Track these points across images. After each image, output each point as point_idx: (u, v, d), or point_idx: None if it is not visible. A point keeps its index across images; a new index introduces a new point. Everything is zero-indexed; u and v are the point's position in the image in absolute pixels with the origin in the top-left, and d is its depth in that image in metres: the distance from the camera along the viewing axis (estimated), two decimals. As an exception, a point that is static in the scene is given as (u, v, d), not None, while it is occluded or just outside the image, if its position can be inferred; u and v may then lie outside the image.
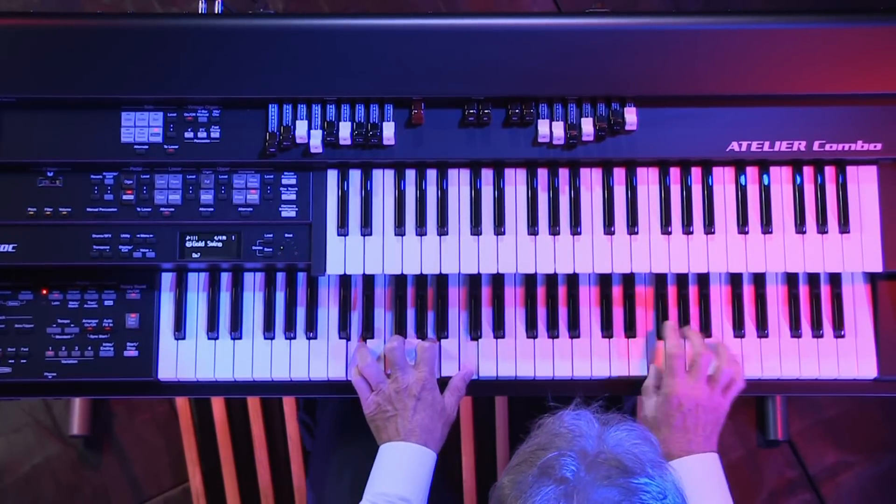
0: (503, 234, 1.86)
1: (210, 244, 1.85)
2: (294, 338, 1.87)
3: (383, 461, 1.76)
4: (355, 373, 1.83)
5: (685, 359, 1.82)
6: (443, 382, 1.84)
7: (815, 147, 1.85)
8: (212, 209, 1.85)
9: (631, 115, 1.83)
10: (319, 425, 2.22)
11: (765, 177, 1.88)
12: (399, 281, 1.89)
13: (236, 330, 1.87)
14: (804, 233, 1.87)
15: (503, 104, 1.84)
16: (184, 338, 1.87)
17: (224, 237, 1.85)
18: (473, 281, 1.88)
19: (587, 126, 1.83)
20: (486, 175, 1.88)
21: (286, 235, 1.85)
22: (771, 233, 1.87)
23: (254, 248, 1.84)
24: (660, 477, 1.37)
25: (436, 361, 1.84)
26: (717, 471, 1.75)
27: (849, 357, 1.87)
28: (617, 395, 2.09)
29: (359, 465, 2.00)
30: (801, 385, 1.89)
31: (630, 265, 1.86)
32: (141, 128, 1.84)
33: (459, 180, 1.88)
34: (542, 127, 1.84)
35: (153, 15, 2.12)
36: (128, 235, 1.84)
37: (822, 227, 1.87)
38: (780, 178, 1.89)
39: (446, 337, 1.87)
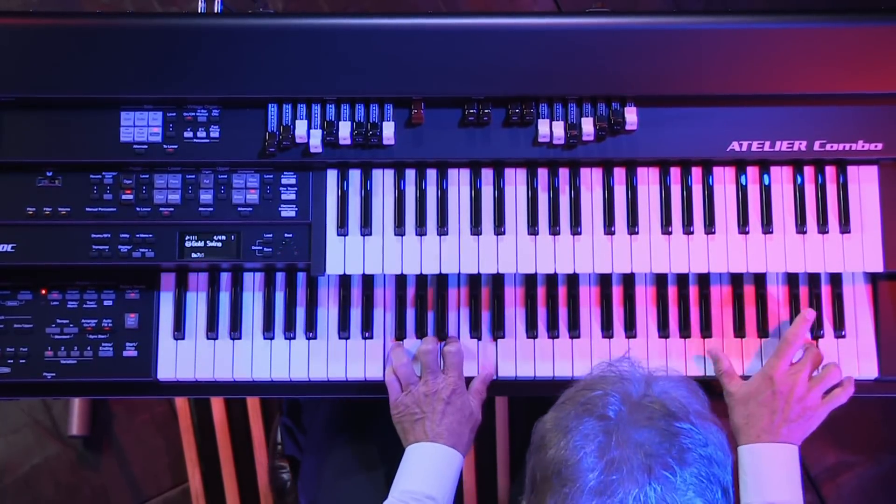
0: (503, 233, 1.86)
1: (209, 244, 1.84)
2: (293, 338, 1.87)
3: (411, 461, 1.75)
4: (390, 371, 1.83)
5: (796, 350, 1.79)
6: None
7: (816, 147, 1.84)
8: (211, 209, 1.84)
9: (631, 115, 1.83)
10: (309, 431, 2.21)
11: (765, 177, 1.88)
12: (399, 281, 1.89)
13: (236, 330, 1.87)
14: (805, 233, 1.87)
15: (503, 104, 1.83)
16: (183, 338, 1.87)
17: (223, 237, 1.85)
18: (473, 281, 1.88)
19: (587, 126, 1.83)
20: (486, 175, 1.87)
21: (286, 235, 1.84)
22: (771, 233, 1.87)
23: (253, 247, 1.84)
24: (703, 427, 1.38)
25: (463, 364, 1.83)
26: (793, 463, 1.72)
27: (849, 357, 1.87)
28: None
29: (356, 470, 2.00)
30: (801, 385, 1.88)
31: (630, 265, 1.85)
32: (140, 127, 1.84)
33: (459, 180, 1.88)
34: (543, 127, 1.83)
35: (153, 14, 2.11)
36: (127, 235, 1.83)
37: (822, 227, 1.87)
38: (781, 178, 1.89)
39: (446, 337, 1.87)
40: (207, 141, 1.84)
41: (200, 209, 1.84)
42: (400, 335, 1.87)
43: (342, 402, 2.10)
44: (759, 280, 1.88)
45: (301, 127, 1.83)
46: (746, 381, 1.79)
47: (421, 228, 1.86)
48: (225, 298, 1.88)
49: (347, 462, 2.02)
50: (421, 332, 1.87)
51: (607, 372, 1.46)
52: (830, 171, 1.88)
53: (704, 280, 1.88)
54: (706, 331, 1.87)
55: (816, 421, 1.77)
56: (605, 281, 1.88)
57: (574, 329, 1.87)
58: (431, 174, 1.88)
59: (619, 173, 1.88)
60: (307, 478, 2.12)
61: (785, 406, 1.74)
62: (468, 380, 1.84)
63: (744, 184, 1.88)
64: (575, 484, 1.34)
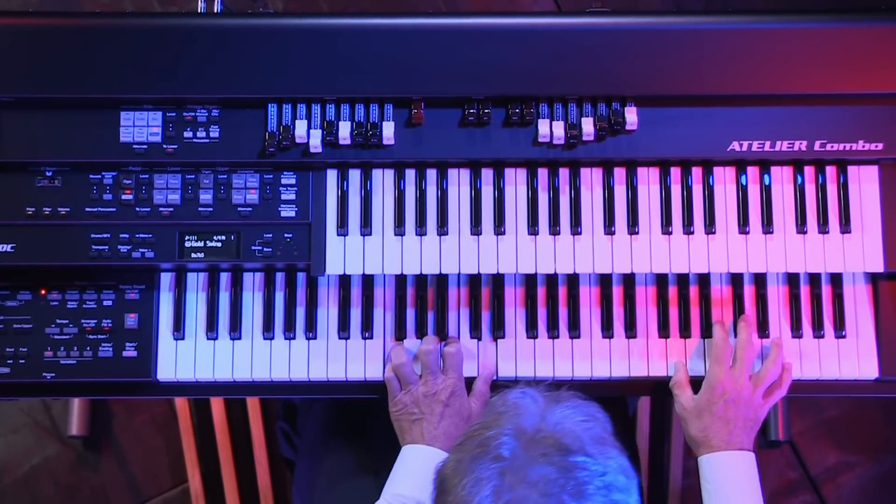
0: (503, 234, 1.86)
1: (209, 244, 1.84)
2: (293, 338, 1.87)
3: (404, 463, 1.75)
4: (389, 369, 1.83)
5: (731, 351, 1.81)
6: (443, 383, 1.83)
7: (817, 147, 1.84)
8: (211, 209, 1.84)
9: (631, 115, 1.83)
10: (303, 434, 2.21)
11: (766, 177, 1.88)
12: (399, 281, 1.88)
13: (235, 330, 1.86)
14: (805, 233, 1.87)
15: (503, 104, 1.83)
16: (183, 338, 1.87)
17: (223, 237, 1.84)
18: (473, 281, 1.88)
19: (587, 126, 1.83)
20: (486, 175, 1.87)
21: (286, 235, 1.84)
22: (772, 233, 1.86)
23: (253, 248, 1.84)
24: (601, 455, 1.35)
25: (463, 365, 1.83)
26: (752, 470, 1.75)
27: (850, 357, 1.86)
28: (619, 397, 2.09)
29: (349, 475, 1.99)
30: (802, 385, 1.88)
31: (630, 265, 1.85)
32: (140, 127, 1.83)
33: (459, 180, 1.87)
34: (543, 127, 1.83)
35: (152, 14, 2.12)
36: (127, 235, 1.83)
37: (823, 227, 1.86)
38: (781, 178, 1.88)
39: (446, 337, 1.86)
40: (207, 141, 1.84)
41: (200, 209, 1.84)
42: (400, 335, 1.87)
43: (336, 406, 2.09)
44: (760, 280, 1.88)
45: (301, 127, 1.83)
46: (696, 395, 1.80)
47: (421, 228, 1.86)
48: (225, 298, 1.88)
49: (341, 466, 2.01)
50: (421, 333, 1.87)
51: (502, 407, 1.43)
52: (831, 171, 1.88)
53: (705, 280, 1.88)
54: (706, 331, 1.87)
55: (761, 417, 1.80)
56: (605, 281, 1.88)
57: (574, 329, 1.87)
58: (431, 174, 1.88)
59: (620, 173, 1.88)
60: (301, 481, 2.11)
61: (737, 414, 1.76)
62: (469, 381, 1.84)
63: (744, 184, 1.87)
64: None
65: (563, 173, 1.88)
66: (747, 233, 1.86)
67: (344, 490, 1.97)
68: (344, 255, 1.85)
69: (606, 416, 1.44)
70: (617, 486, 1.35)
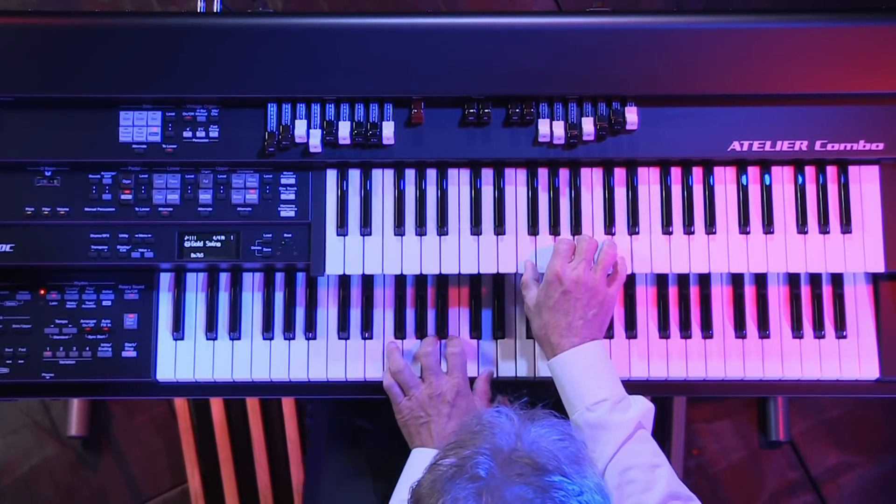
0: (503, 234, 1.85)
1: (209, 244, 1.84)
2: (293, 338, 1.87)
3: (414, 466, 1.74)
4: (388, 376, 1.82)
5: (572, 246, 1.80)
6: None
7: (817, 147, 1.84)
8: (210, 209, 1.84)
9: (632, 115, 1.82)
10: (312, 433, 2.20)
11: (766, 176, 1.87)
12: (399, 281, 1.88)
13: (235, 330, 1.86)
14: (806, 233, 1.86)
15: (503, 103, 1.83)
16: (182, 338, 1.86)
17: (223, 237, 1.84)
18: (473, 281, 1.88)
19: (588, 126, 1.83)
20: (486, 175, 1.87)
21: (285, 235, 1.84)
22: (772, 233, 1.86)
23: (253, 248, 1.84)
24: (577, 474, 1.34)
25: (466, 365, 1.83)
26: (604, 360, 1.72)
27: (851, 358, 1.86)
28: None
29: (354, 479, 1.98)
30: (802, 386, 1.88)
31: (631, 265, 1.85)
32: (139, 127, 1.83)
33: (459, 180, 1.87)
34: (543, 126, 1.83)
35: (152, 14, 2.12)
36: (126, 235, 1.83)
37: (823, 227, 1.86)
38: (782, 178, 1.88)
39: (446, 337, 1.86)
40: (207, 141, 1.83)
41: (199, 209, 1.84)
42: (399, 335, 1.86)
43: (343, 410, 2.09)
44: (760, 280, 1.88)
45: (300, 127, 1.82)
46: (534, 290, 1.78)
47: (421, 228, 1.85)
48: (224, 299, 1.88)
49: (347, 469, 2.01)
50: (421, 333, 1.86)
51: (476, 426, 1.42)
52: (832, 170, 1.88)
53: (705, 280, 1.88)
54: (707, 331, 1.86)
55: (610, 306, 1.78)
56: (605, 281, 1.88)
57: (574, 329, 1.86)
58: (431, 174, 1.87)
59: (620, 173, 1.88)
60: (310, 484, 2.11)
61: (576, 303, 1.73)
62: (471, 380, 1.83)
63: (745, 184, 1.87)
64: None
65: (564, 173, 1.87)
66: (748, 233, 1.86)
67: (348, 494, 1.97)
68: (343, 255, 1.84)
69: (579, 434, 1.43)
70: None
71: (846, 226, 1.86)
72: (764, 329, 1.86)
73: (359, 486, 1.97)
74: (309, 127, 1.83)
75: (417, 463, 1.74)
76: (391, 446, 1.85)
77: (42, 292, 1.86)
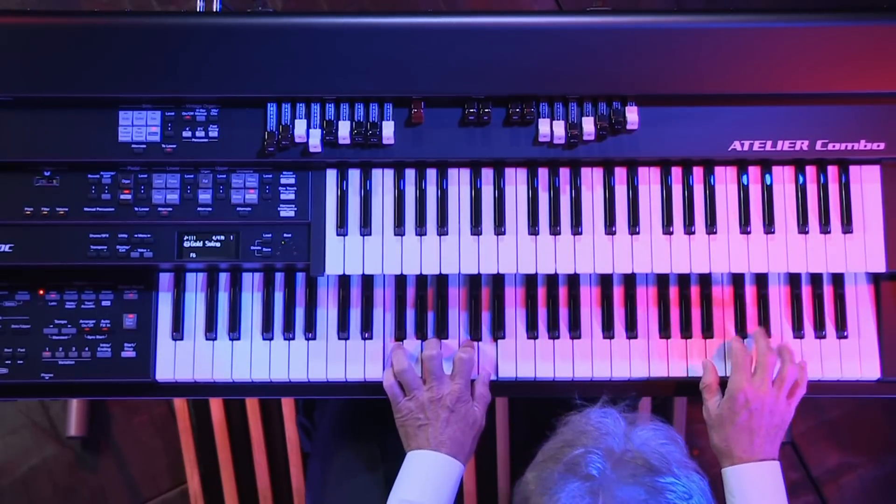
0: (503, 234, 1.85)
1: (208, 244, 1.84)
2: (293, 338, 1.86)
3: (410, 469, 1.74)
4: (389, 376, 1.81)
5: (752, 358, 1.80)
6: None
7: (818, 146, 1.84)
8: (210, 209, 1.84)
9: (632, 115, 1.82)
10: (318, 428, 2.21)
11: (767, 176, 1.87)
12: (399, 281, 1.88)
13: (234, 330, 1.86)
14: (807, 233, 1.86)
15: (503, 103, 1.83)
16: (182, 338, 1.86)
17: (222, 237, 1.84)
18: (473, 281, 1.87)
19: (588, 125, 1.82)
20: (487, 174, 1.87)
21: (285, 235, 1.84)
22: (773, 233, 1.86)
23: (252, 248, 1.83)
24: (685, 477, 1.38)
25: (472, 373, 1.82)
26: (777, 479, 1.75)
27: (852, 358, 1.86)
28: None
29: (359, 471, 1.99)
30: (803, 386, 1.87)
31: (631, 265, 1.85)
32: (139, 127, 1.83)
33: (459, 180, 1.87)
34: (543, 126, 1.83)
35: (151, 13, 2.12)
36: (125, 235, 1.82)
37: (824, 227, 1.86)
38: (783, 178, 1.88)
39: (446, 338, 1.86)
40: (206, 140, 1.83)
41: (199, 209, 1.84)
42: (399, 336, 1.86)
43: (346, 405, 2.09)
44: (761, 280, 1.88)
45: (300, 126, 1.82)
46: (717, 399, 1.79)
47: (421, 228, 1.85)
48: (223, 299, 1.88)
49: (351, 464, 2.01)
50: (421, 333, 1.86)
51: (586, 426, 1.45)
52: (832, 170, 1.88)
53: (706, 280, 1.88)
54: (707, 331, 1.86)
55: (788, 421, 1.79)
56: (605, 281, 1.88)
57: (575, 329, 1.86)
58: (431, 174, 1.87)
59: (620, 173, 1.87)
60: (313, 478, 2.12)
61: (761, 423, 1.75)
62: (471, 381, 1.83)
63: (745, 183, 1.87)
64: None
65: (564, 173, 1.87)
66: (749, 233, 1.86)
67: (352, 488, 1.97)
68: (343, 255, 1.84)
69: (681, 439, 1.46)
70: None
71: (847, 226, 1.85)
72: (765, 329, 1.86)
73: (360, 481, 1.98)
74: (309, 127, 1.83)
75: (414, 465, 1.74)
76: (396, 441, 1.84)
77: (41, 292, 1.85)
